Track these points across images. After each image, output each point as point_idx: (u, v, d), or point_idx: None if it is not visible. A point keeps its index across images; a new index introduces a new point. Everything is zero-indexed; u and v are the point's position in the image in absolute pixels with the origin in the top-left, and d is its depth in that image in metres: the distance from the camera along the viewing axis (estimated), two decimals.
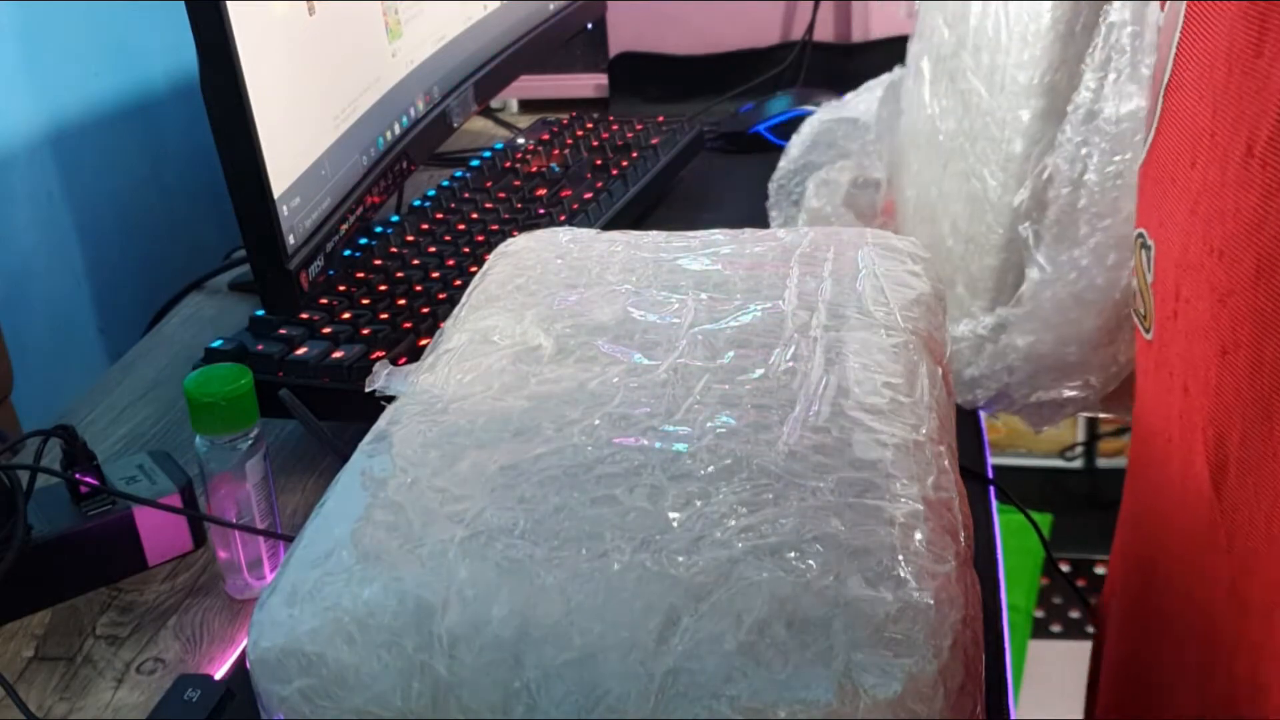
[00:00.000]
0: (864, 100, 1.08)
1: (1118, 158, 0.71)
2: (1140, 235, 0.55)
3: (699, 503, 0.43)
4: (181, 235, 1.20)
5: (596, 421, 0.48)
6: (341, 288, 0.85)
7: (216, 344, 0.78)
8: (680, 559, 0.40)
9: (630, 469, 0.45)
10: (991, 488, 0.78)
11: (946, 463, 0.47)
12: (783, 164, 1.07)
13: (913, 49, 0.95)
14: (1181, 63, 0.47)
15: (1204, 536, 0.47)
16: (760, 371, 0.51)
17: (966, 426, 0.82)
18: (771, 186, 1.07)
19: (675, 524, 0.42)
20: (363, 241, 0.93)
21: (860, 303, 0.56)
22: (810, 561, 0.40)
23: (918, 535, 0.41)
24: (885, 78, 1.04)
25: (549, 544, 0.42)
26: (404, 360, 0.72)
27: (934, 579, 0.39)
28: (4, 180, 0.97)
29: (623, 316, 0.56)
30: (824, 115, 1.09)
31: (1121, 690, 0.64)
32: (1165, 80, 0.49)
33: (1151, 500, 0.56)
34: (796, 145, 1.07)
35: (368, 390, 0.54)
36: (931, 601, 0.39)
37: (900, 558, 0.40)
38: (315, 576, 0.42)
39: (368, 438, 0.51)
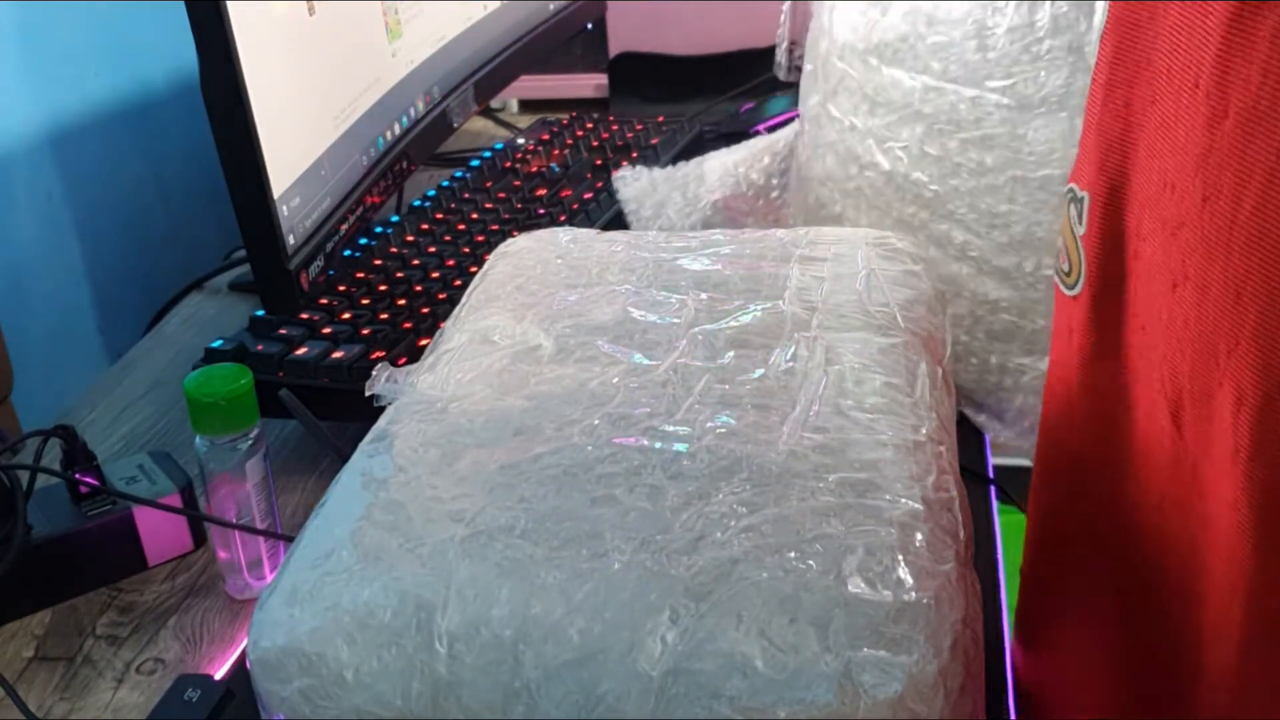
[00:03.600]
0: (754, 164, 0.99)
1: None
2: (1070, 190, 0.55)
3: (699, 503, 0.43)
4: (181, 235, 1.20)
5: (596, 421, 0.48)
6: (341, 288, 0.85)
7: (216, 344, 0.78)
8: (680, 559, 0.40)
9: (630, 469, 0.45)
10: (992, 488, 0.78)
11: (946, 463, 0.47)
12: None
13: (825, 108, 0.86)
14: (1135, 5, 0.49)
15: (1169, 473, 0.48)
16: (760, 371, 0.51)
17: (966, 426, 0.82)
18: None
19: (675, 524, 0.42)
20: (363, 241, 0.93)
21: (860, 303, 0.56)
22: (810, 561, 0.40)
23: (918, 535, 0.41)
24: (777, 139, 0.98)
25: (549, 544, 0.42)
26: (404, 360, 0.72)
27: (934, 579, 0.39)
28: (4, 180, 0.97)
29: (623, 316, 0.56)
30: (708, 193, 0.98)
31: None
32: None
33: (1098, 450, 0.56)
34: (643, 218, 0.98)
35: (367, 395, 0.54)
36: (931, 601, 0.39)
37: (900, 558, 0.40)
38: (315, 576, 0.42)
39: (368, 438, 0.51)
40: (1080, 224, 0.53)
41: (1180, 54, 0.45)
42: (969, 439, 0.81)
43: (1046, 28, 0.73)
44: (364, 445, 0.50)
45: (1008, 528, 0.78)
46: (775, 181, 0.98)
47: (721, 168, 1.01)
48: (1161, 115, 0.46)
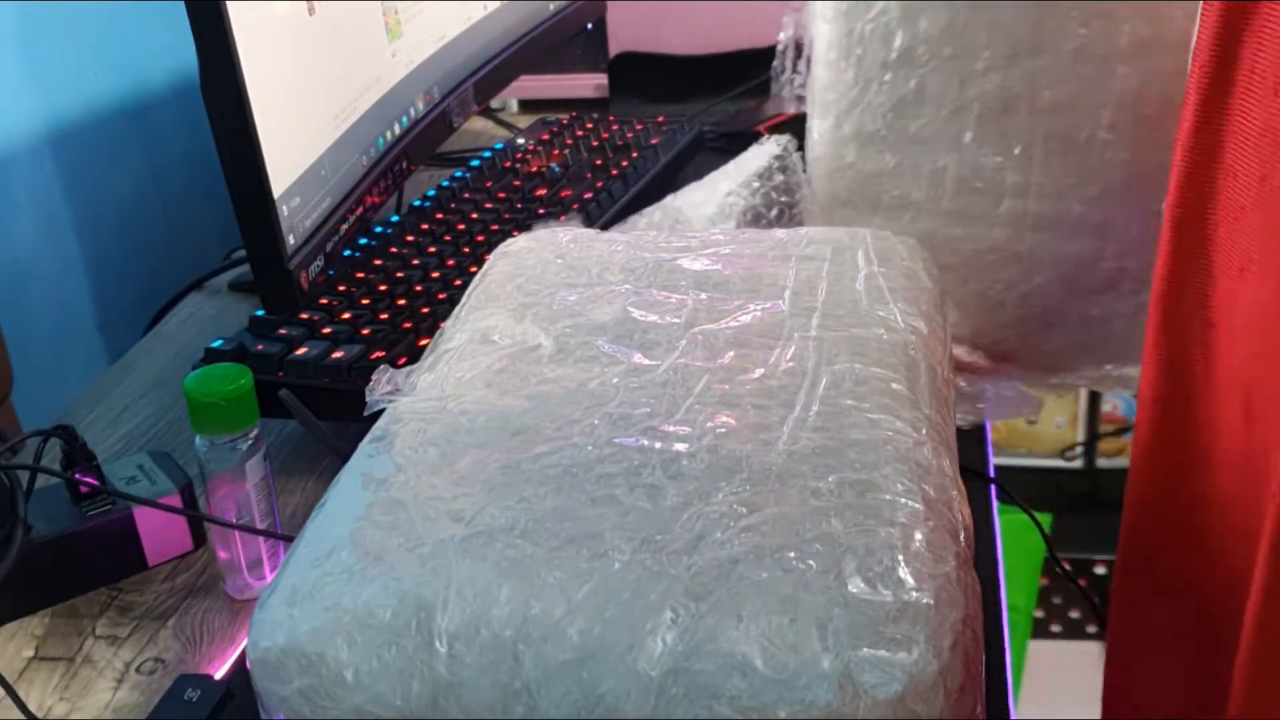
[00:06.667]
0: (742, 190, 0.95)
1: None
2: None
3: (699, 503, 0.43)
4: (181, 235, 1.20)
5: (596, 421, 0.48)
6: (341, 288, 0.85)
7: (216, 344, 0.78)
8: (680, 559, 0.40)
9: (630, 469, 0.45)
10: (992, 487, 0.78)
11: (946, 463, 0.47)
12: None
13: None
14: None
15: (1240, 469, 0.47)
16: (760, 371, 0.51)
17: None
18: None
19: (675, 524, 0.42)
20: (363, 241, 0.93)
21: (860, 302, 0.56)
22: (810, 561, 0.40)
23: (918, 535, 0.41)
24: (749, 160, 0.95)
25: (549, 543, 0.42)
26: (404, 360, 0.72)
27: (934, 579, 0.39)
28: (4, 180, 0.97)
29: (623, 316, 0.56)
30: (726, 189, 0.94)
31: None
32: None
33: (1176, 451, 0.57)
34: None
35: (368, 401, 0.54)
36: (931, 601, 0.39)
37: (900, 558, 0.40)
38: (315, 576, 0.42)
39: (368, 437, 0.51)
40: None
41: (1250, 52, 0.46)
42: (970, 439, 0.81)
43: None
44: (364, 445, 0.50)
45: (1008, 528, 0.78)
46: (776, 197, 0.96)
47: (707, 202, 0.95)
48: (1230, 101, 0.47)
